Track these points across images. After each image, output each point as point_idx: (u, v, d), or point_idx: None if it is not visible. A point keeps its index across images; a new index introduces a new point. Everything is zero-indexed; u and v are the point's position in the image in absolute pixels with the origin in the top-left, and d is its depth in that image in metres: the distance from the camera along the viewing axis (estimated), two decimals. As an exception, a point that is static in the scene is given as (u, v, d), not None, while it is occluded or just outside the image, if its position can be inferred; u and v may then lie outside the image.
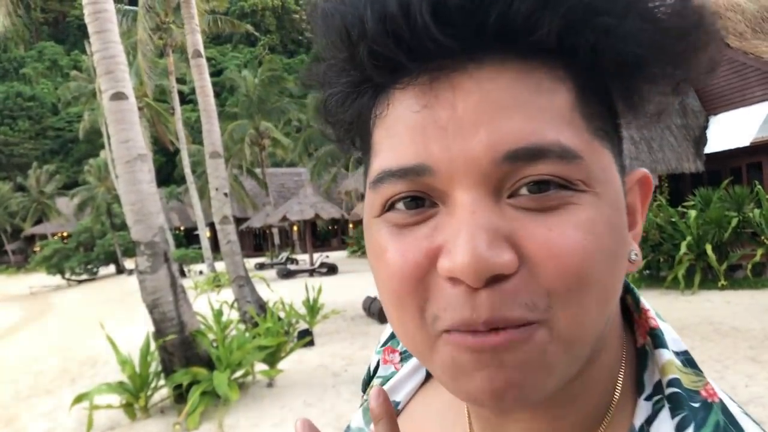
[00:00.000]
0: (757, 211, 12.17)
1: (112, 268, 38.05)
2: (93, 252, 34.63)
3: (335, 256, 33.28)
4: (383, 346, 0.76)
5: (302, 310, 10.65)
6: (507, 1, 0.41)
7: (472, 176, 0.43)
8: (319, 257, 25.88)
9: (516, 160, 0.42)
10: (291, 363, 8.17)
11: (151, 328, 6.81)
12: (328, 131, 0.55)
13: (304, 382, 7.38)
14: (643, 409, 0.51)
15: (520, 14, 0.41)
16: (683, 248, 11.92)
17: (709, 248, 11.77)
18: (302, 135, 39.16)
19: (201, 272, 29.02)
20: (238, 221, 37.12)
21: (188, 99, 52.97)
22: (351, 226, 39.97)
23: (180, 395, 6.52)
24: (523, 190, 0.43)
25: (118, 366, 6.76)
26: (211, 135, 11.31)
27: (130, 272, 31.02)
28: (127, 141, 6.56)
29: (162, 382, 6.74)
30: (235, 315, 10.56)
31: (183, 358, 6.64)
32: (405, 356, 0.72)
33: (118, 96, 6.57)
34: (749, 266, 11.98)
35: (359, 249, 34.87)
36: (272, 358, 7.54)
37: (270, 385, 7.31)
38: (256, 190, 44.34)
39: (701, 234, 12.20)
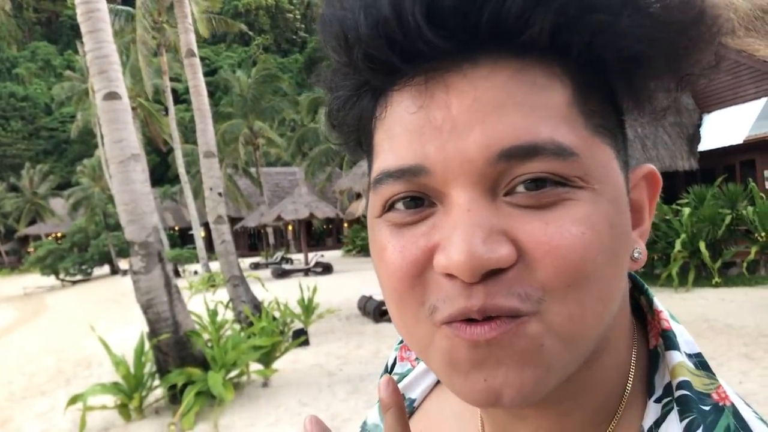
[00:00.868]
0: (750, 209, 12.22)
1: (106, 269, 37.92)
2: (87, 252, 34.49)
3: (330, 256, 33.27)
4: (401, 343, 0.76)
5: (297, 310, 10.63)
6: (499, 0, 0.41)
7: (468, 176, 0.43)
8: (314, 257, 25.87)
9: (510, 158, 0.42)
10: (286, 363, 8.16)
11: (146, 329, 6.79)
12: (334, 134, 0.56)
13: (299, 381, 7.37)
14: (653, 410, 0.51)
15: (512, 13, 0.42)
16: (677, 246, 11.95)
17: (702, 246, 11.81)
18: (296, 134, 39.11)
19: (196, 272, 28.97)
20: (233, 221, 37.10)
21: (182, 99, 52.88)
22: (346, 225, 39.98)
23: (175, 396, 6.51)
24: (519, 188, 0.43)
25: (112, 366, 6.74)
26: (205, 134, 11.29)
27: (125, 273, 30.93)
28: (120, 141, 6.54)
29: (157, 382, 6.72)
30: (230, 315, 10.55)
31: (178, 358, 6.63)
32: None
33: (112, 96, 6.54)
34: (743, 264, 12.02)
35: (354, 248, 34.87)
36: (267, 357, 7.53)
37: (265, 384, 7.30)
38: (250, 189, 44.28)
39: (695, 232, 12.23)
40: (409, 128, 0.45)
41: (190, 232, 35.26)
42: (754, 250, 11.85)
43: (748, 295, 10.60)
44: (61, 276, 33.84)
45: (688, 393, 0.49)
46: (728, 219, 12.15)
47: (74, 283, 34.34)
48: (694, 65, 0.47)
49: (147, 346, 6.68)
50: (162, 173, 57.17)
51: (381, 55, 0.45)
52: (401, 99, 0.46)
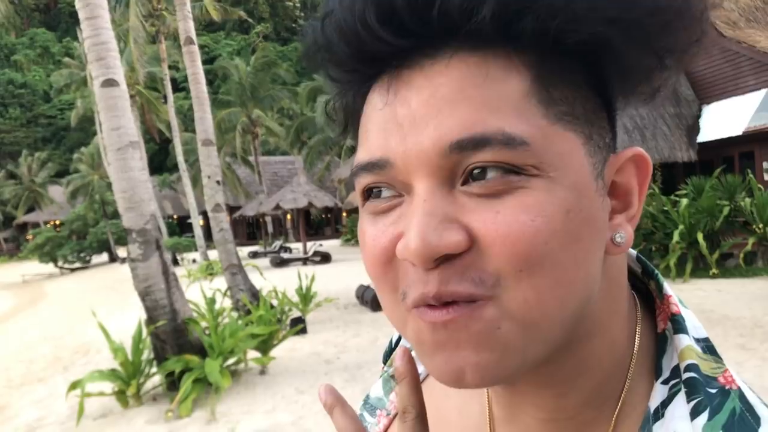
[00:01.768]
0: (748, 200, 12.23)
1: (105, 257, 37.90)
2: (86, 240, 34.45)
3: (329, 245, 33.29)
4: None
5: (295, 298, 10.65)
6: None
7: (425, 167, 0.45)
8: (312, 246, 25.87)
9: (461, 149, 0.44)
10: (283, 351, 8.18)
11: (144, 316, 6.80)
12: (334, 130, 0.60)
13: (297, 369, 7.39)
14: (659, 392, 0.52)
15: (456, 5, 0.43)
16: (675, 237, 11.96)
17: (700, 237, 11.82)
18: (295, 123, 38.98)
19: (194, 260, 28.99)
20: (231, 209, 37.13)
21: (180, 87, 52.71)
22: (344, 214, 39.93)
23: (172, 383, 6.53)
24: (473, 177, 0.45)
25: (110, 354, 6.75)
26: (203, 122, 11.26)
27: (123, 260, 30.92)
28: (118, 128, 6.53)
29: (154, 369, 6.73)
30: (227, 303, 10.57)
31: (175, 345, 6.64)
32: None
33: (110, 83, 6.52)
34: (741, 255, 12.04)
35: (353, 238, 34.86)
36: (265, 345, 7.55)
37: (262, 372, 7.32)
38: (249, 178, 44.20)
39: (693, 223, 12.24)
40: (378, 124, 0.48)
41: (189, 221, 35.24)
42: (751, 241, 11.86)
43: (744, 287, 10.62)
44: (60, 263, 33.83)
45: (696, 376, 0.50)
46: (726, 210, 12.16)
47: (73, 270, 34.34)
48: (676, 43, 0.47)
49: (145, 333, 6.69)
50: (161, 162, 57.07)
51: (346, 61, 0.49)
52: (372, 97, 0.50)
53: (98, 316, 7.19)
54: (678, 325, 0.54)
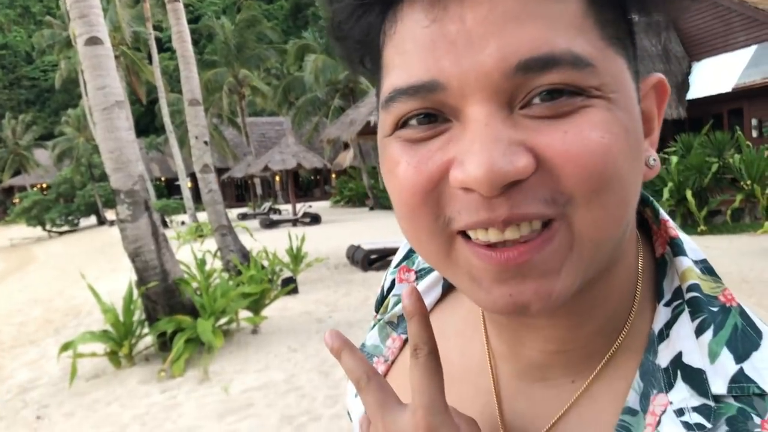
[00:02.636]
0: (737, 157, 12.28)
1: (93, 220, 37.75)
2: (73, 203, 34.25)
3: (318, 206, 33.28)
4: (397, 266, 0.76)
5: (286, 259, 10.66)
6: None
7: (484, 90, 0.42)
8: (302, 207, 25.85)
9: (528, 70, 0.42)
10: (275, 310, 8.21)
11: (134, 277, 6.79)
12: (338, 49, 0.54)
13: (289, 328, 7.43)
14: (663, 314, 0.52)
15: None
16: (665, 194, 12.02)
17: (689, 194, 11.88)
18: (282, 83, 38.59)
19: (183, 223, 28.89)
20: (220, 171, 36.90)
21: (165, 47, 51.92)
22: (333, 176, 39.88)
23: (164, 343, 6.55)
24: (536, 100, 0.43)
25: (101, 316, 6.76)
26: (189, 82, 11.11)
27: (112, 223, 30.83)
28: (103, 87, 6.41)
29: (146, 330, 6.74)
30: (218, 264, 10.57)
31: (166, 306, 6.64)
32: (421, 275, 0.73)
33: (93, 41, 6.39)
34: (728, 212, 12.13)
35: (342, 199, 34.86)
36: (256, 305, 7.57)
37: (254, 332, 7.35)
38: (237, 140, 43.92)
39: (682, 180, 12.29)
40: (422, 43, 0.44)
41: (177, 183, 35.07)
42: (739, 198, 11.94)
43: (732, 243, 10.72)
44: (48, 227, 33.66)
45: (699, 295, 0.51)
46: (715, 167, 12.21)
47: (61, 234, 34.20)
48: None
49: (135, 294, 6.68)
50: (147, 124, 56.50)
51: None
52: (412, 12, 0.45)
53: (88, 278, 7.18)
54: (677, 248, 0.54)
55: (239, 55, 36.33)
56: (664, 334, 0.51)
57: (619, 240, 0.47)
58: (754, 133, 15.23)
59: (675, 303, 0.52)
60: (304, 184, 49.06)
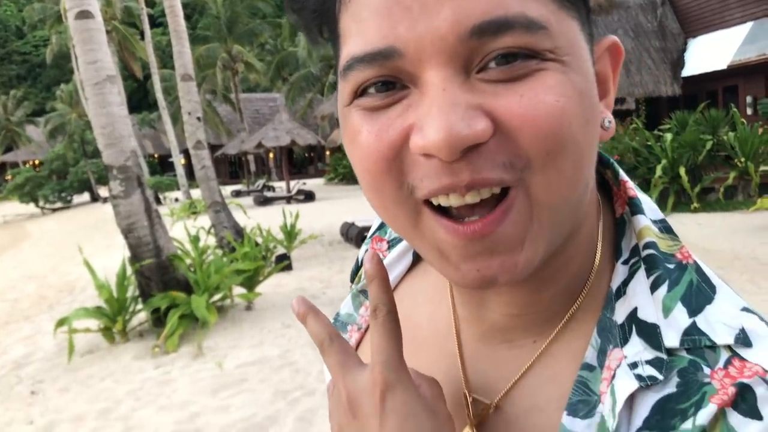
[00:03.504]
0: (731, 134, 12.28)
1: (86, 196, 37.62)
2: (66, 180, 34.09)
3: (312, 184, 33.20)
4: (372, 236, 0.78)
5: (280, 236, 10.66)
6: None
7: (441, 55, 0.42)
8: (296, 184, 25.78)
9: (482, 34, 0.42)
10: (269, 287, 8.23)
11: (127, 254, 6.78)
12: (295, 20, 0.53)
13: (283, 304, 7.44)
14: (620, 272, 0.53)
15: None
16: (658, 171, 12.04)
17: (682, 171, 11.91)
18: (275, 58, 38.32)
19: (176, 200, 28.81)
20: (213, 148, 36.73)
21: (158, 22, 51.40)
22: (328, 153, 39.74)
23: (158, 319, 6.55)
24: (492, 64, 0.43)
25: (95, 292, 6.75)
26: (182, 57, 11.01)
27: (105, 200, 30.73)
28: (95, 62, 6.35)
29: (140, 306, 6.75)
30: (212, 241, 10.56)
31: (160, 282, 6.64)
32: (392, 244, 0.74)
33: (84, 14, 6.31)
34: (721, 189, 12.16)
35: (336, 176, 34.79)
36: (250, 281, 7.58)
37: (248, 308, 7.37)
38: (230, 116, 43.66)
39: (676, 157, 12.31)
40: (378, 10, 0.44)
41: (170, 160, 34.92)
42: (732, 175, 11.96)
43: (725, 220, 10.76)
44: (41, 204, 33.55)
45: (654, 252, 0.52)
46: (709, 145, 12.22)
47: (54, 210, 34.08)
48: None
49: (129, 270, 6.68)
50: (139, 100, 56.10)
51: None
52: None
53: (82, 254, 7.16)
54: (635, 207, 0.55)
55: (232, 30, 36.02)
56: (621, 291, 0.52)
57: (577, 203, 0.48)
58: (749, 111, 15.21)
59: (632, 261, 0.53)
60: (298, 162, 48.88)
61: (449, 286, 0.64)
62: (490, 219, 0.44)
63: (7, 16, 70.65)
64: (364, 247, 0.79)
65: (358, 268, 0.80)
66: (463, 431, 0.57)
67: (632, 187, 0.57)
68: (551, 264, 0.52)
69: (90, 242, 15.81)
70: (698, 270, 0.51)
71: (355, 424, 0.52)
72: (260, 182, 30.51)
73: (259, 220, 12.57)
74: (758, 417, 0.42)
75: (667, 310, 0.49)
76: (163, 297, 6.46)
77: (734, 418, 0.43)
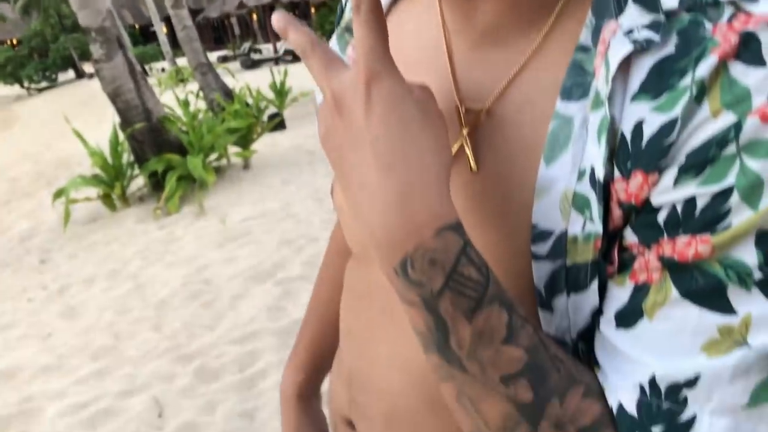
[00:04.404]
0: None
1: (71, 74, 36.78)
2: (48, 58, 33.19)
3: (300, 43, 32.25)
4: None
5: (270, 96, 10.46)
6: None
7: None
8: (282, 45, 25.06)
9: None
10: (264, 146, 8.17)
11: (117, 120, 6.68)
12: None
13: (280, 162, 7.43)
14: None
15: None
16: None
17: None
18: None
19: (163, 69, 28.12)
20: (194, 13, 35.41)
21: None
22: (313, 10, 38.30)
23: (157, 182, 6.54)
24: None
25: (91, 162, 6.71)
26: None
27: (91, 76, 30.06)
28: None
29: (137, 171, 6.74)
30: (202, 105, 10.39)
31: (154, 145, 6.58)
32: None
33: None
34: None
35: (324, 33, 33.74)
36: (244, 140, 7.52)
37: (246, 167, 7.35)
38: (208, -22, 41.77)
39: None
40: None
41: (152, 29, 33.73)
42: None
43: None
44: (26, 84, 32.85)
45: None
46: None
47: (40, 90, 33.38)
48: None
49: (121, 136, 6.61)
50: (112, -33, 53.42)
51: None
52: None
53: (70, 124, 7.07)
54: None
55: None
56: None
57: None
58: None
59: None
60: (284, 22, 47.26)
61: (437, 3, 0.60)
62: None
63: None
64: None
65: (342, 11, 0.75)
66: (457, 141, 0.54)
67: None
68: None
69: (80, 118, 15.58)
70: None
71: (341, 121, 0.48)
72: (246, 45, 29.63)
73: (248, 82, 12.31)
74: (762, 63, 0.38)
75: None
76: (158, 160, 6.42)
77: (736, 67, 0.39)
